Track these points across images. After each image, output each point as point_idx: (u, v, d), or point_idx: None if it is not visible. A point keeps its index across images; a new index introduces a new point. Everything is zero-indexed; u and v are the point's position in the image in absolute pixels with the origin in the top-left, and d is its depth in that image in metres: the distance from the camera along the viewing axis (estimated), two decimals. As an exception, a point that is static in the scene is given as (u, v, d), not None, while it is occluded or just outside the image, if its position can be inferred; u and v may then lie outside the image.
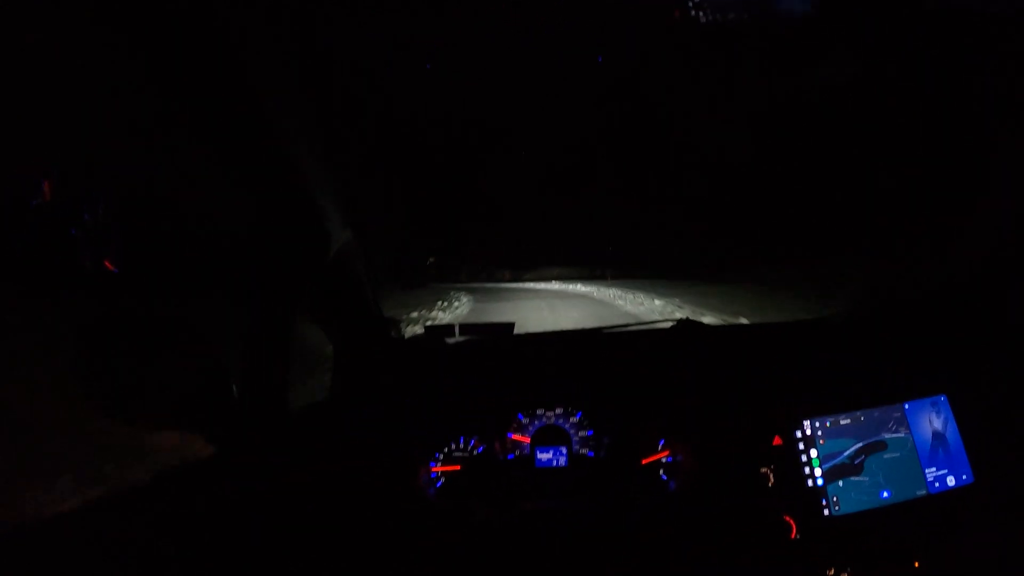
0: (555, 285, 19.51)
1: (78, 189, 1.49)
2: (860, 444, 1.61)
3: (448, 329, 1.62)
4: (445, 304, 12.13)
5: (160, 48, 1.04)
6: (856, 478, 1.58)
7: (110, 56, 1.11)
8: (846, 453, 1.59)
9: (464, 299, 13.39)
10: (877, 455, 1.62)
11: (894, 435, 1.65)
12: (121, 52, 1.08)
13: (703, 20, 1.71)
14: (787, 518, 1.48)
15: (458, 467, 1.48)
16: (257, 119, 1.20)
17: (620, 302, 13.06)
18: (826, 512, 1.53)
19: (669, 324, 1.70)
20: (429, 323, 1.61)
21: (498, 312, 11.52)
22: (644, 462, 1.52)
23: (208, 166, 1.28)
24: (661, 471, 1.52)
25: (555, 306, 12.33)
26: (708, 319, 1.71)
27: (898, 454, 1.64)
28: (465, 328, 1.63)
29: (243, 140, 1.21)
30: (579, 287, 18.01)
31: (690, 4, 1.70)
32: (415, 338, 1.61)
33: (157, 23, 1.00)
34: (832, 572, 1.42)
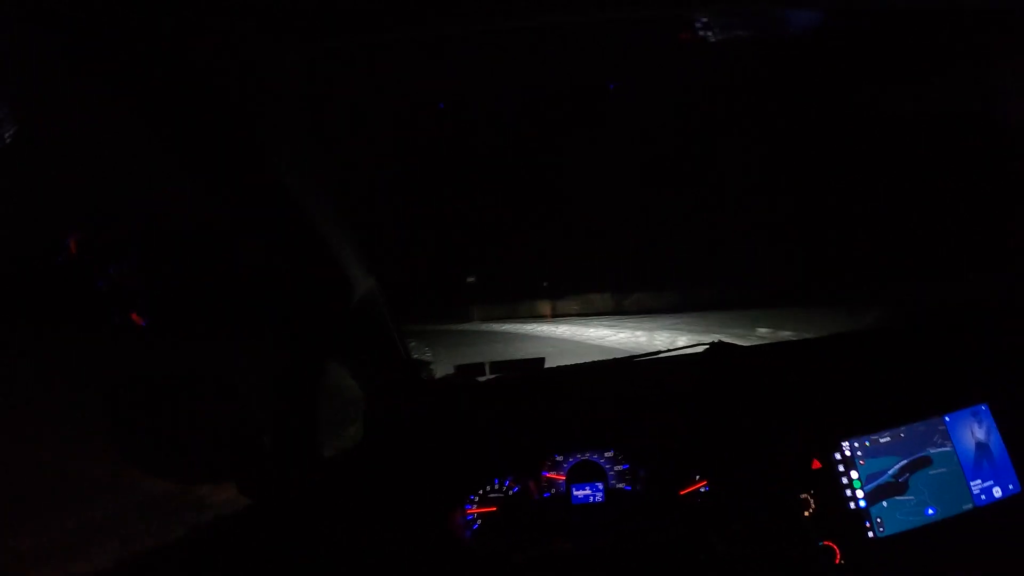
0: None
1: (104, 245, 1.51)
2: (903, 462, 1.58)
3: (478, 367, 1.62)
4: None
5: (179, 111, 1.05)
6: (900, 497, 1.56)
7: (133, 121, 1.12)
8: (889, 472, 1.57)
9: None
10: (921, 472, 1.59)
11: (937, 449, 1.61)
12: (142, 114, 1.09)
13: (712, 40, 1.68)
14: (830, 544, 1.46)
15: (494, 508, 1.48)
16: (274, 177, 1.20)
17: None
18: (870, 535, 1.50)
19: (701, 348, 1.68)
20: (458, 363, 1.61)
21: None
22: (682, 493, 1.51)
23: (231, 223, 1.29)
24: (699, 501, 1.51)
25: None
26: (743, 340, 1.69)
27: (942, 469, 1.61)
28: (496, 366, 1.62)
29: (262, 198, 1.22)
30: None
31: (697, 26, 1.67)
32: (446, 378, 1.61)
33: (175, 91, 1.01)
34: None
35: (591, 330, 12.36)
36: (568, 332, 12.52)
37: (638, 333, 10.93)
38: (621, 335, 10.94)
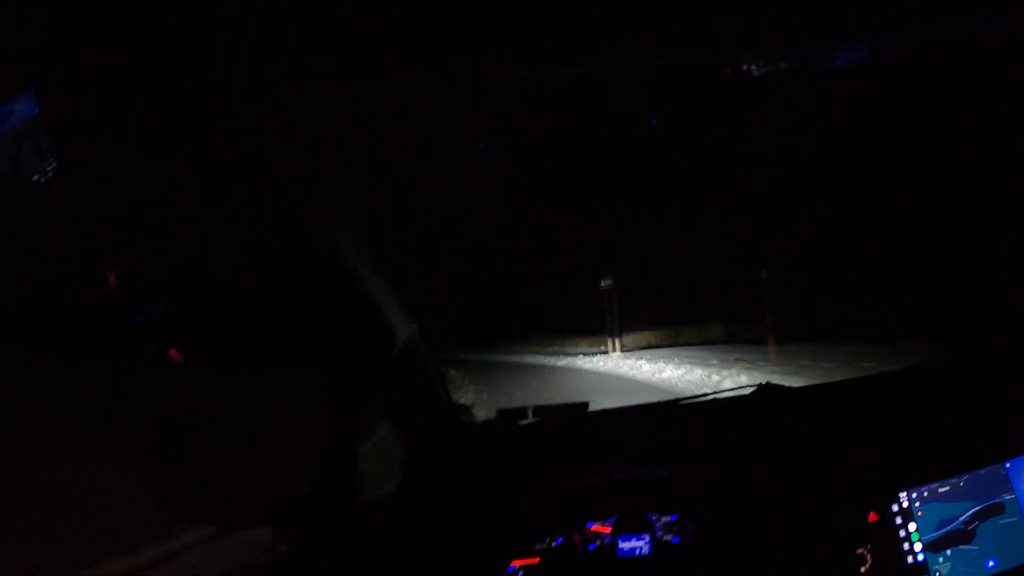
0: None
1: (140, 279, 1.50)
2: (965, 512, 1.51)
3: (521, 412, 1.58)
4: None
5: (226, 160, 1.06)
6: (961, 549, 1.49)
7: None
8: (949, 523, 1.50)
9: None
10: (991, 520, 1.52)
11: (996, 498, 1.55)
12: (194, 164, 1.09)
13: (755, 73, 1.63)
14: None
15: (536, 560, 1.44)
16: (319, 231, 1.19)
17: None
18: (929, 592, 1.44)
19: (749, 390, 1.63)
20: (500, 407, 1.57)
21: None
22: (731, 546, 1.46)
23: (269, 272, 1.28)
24: (750, 555, 1.46)
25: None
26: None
27: (1002, 519, 1.54)
28: (539, 410, 1.59)
29: (308, 254, 1.21)
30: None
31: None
32: (487, 423, 1.58)
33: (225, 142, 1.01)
34: None
35: (639, 364, 11.86)
36: (612, 366, 12.13)
37: (685, 369, 10.32)
38: (667, 371, 10.39)
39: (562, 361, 13.92)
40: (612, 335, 14.08)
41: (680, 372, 10.10)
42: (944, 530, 1.49)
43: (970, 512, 1.51)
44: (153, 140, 1.10)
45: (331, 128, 1.24)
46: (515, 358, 14.24)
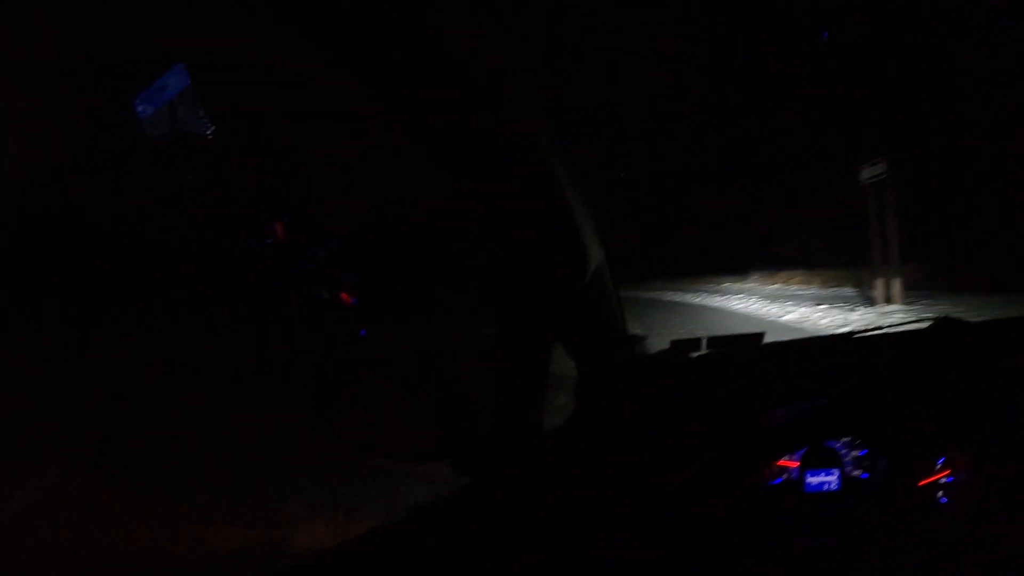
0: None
1: (313, 228, 1.45)
2: None
3: (694, 343, 1.51)
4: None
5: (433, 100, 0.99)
6: None
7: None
8: None
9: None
10: None
11: None
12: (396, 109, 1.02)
13: None
14: None
15: (724, 497, 1.40)
16: (529, 153, 1.12)
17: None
18: None
19: (926, 324, 1.55)
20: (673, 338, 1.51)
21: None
22: (922, 483, 1.40)
23: (478, 211, 1.21)
24: (940, 493, 1.40)
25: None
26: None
27: None
28: (713, 341, 1.52)
29: (518, 178, 1.14)
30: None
31: None
32: (660, 354, 1.52)
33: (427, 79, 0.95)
34: None
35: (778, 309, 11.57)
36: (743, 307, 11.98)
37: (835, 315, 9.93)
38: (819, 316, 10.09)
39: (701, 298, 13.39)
40: (885, 270, 10.54)
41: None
42: None
43: None
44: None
45: (537, 36, 1.15)
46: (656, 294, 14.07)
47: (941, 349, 1.51)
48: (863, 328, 1.56)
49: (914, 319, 1.58)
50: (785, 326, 9.57)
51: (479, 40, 1.07)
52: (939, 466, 1.41)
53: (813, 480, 1.41)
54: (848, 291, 11.87)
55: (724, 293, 13.96)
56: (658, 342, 1.53)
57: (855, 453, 1.42)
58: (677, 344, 1.51)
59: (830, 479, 1.41)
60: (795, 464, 1.41)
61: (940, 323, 1.55)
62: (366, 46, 0.98)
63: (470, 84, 1.07)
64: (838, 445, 1.41)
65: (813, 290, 13.09)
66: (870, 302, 10.60)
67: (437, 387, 1.32)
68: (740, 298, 13.05)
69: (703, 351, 1.52)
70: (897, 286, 10.39)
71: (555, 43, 1.25)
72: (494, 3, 1.10)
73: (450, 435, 1.33)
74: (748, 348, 1.54)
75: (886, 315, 9.32)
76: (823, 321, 9.60)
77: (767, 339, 1.60)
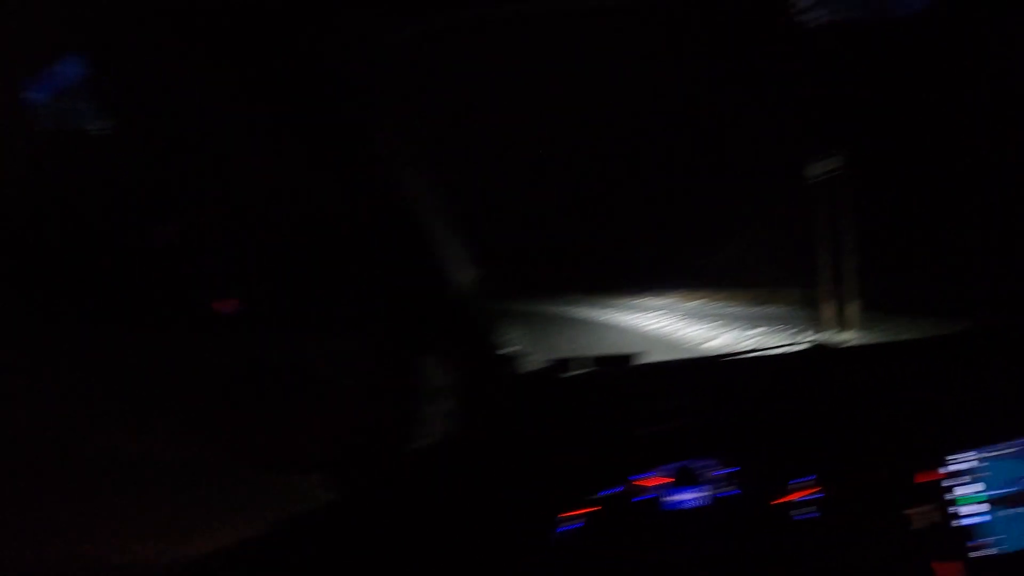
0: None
1: (203, 230, 1.49)
2: (1021, 475, 1.49)
3: (572, 361, 1.56)
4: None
5: (299, 103, 1.03)
6: (1018, 512, 1.47)
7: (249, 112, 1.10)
8: (1008, 484, 1.48)
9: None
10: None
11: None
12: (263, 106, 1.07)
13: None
14: (940, 563, 1.39)
15: (588, 510, 1.43)
16: (385, 167, 1.17)
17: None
18: (984, 552, 1.42)
19: (801, 347, 1.61)
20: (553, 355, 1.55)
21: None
22: (781, 501, 1.44)
23: (334, 215, 1.26)
24: (799, 511, 1.44)
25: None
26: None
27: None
28: (590, 360, 1.56)
29: (372, 190, 1.19)
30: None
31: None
32: (539, 371, 1.56)
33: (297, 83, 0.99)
34: None
35: (680, 326, 10.83)
36: (655, 327, 10.95)
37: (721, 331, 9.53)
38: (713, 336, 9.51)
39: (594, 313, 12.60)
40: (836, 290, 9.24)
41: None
42: (991, 495, 1.46)
43: (1018, 477, 1.49)
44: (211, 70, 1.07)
45: (399, 55, 1.21)
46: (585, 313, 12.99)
47: (810, 373, 1.57)
48: (739, 350, 1.62)
49: (790, 343, 1.64)
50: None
51: (351, 70, 1.13)
52: (798, 485, 1.45)
53: (676, 498, 1.44)
54: (783, 311, 10.71)
55: (638, 310, 12.74)
56: (542, 360, 1.57)
57: (721, 471, 1.46)
58: (556, 362, 1.55)
59: (695, 497, 1.44)
60: (662, 482, 1.44)
61: (812, 348, 1.61)
62: (244, 59, 1.03)
63: (341, 110, 1.12)
64: (704, 464, 1.45)
65: (741, 308, 12.01)
66: (815, 326, 9.12)
67: (315, 399, 1.34)
68: (655, 316, 12.05)
69: (580, 370, 1.56)
70: (852, 308, 8.93)
71: (428, 68, 1.31)
72: (362, 28, 1.16)
73: (327, 446, 1.35)
74: (623, 367, 1.58)
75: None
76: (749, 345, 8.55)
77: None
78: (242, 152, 1.18)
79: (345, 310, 1.42)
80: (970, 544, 1.42)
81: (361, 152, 1.18)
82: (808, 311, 9.79)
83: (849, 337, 8.19)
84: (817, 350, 1.59)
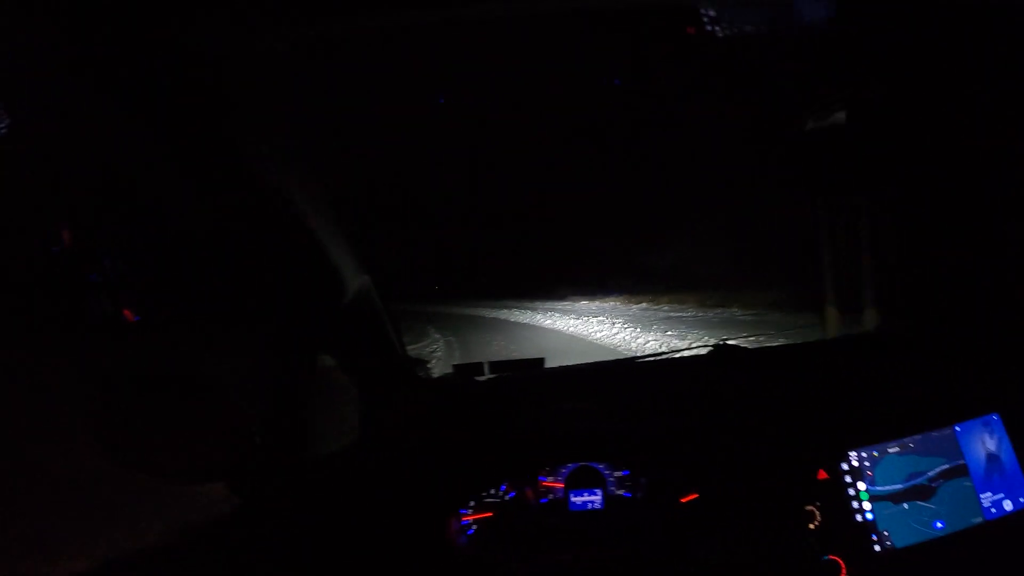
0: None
1: (96, 237, 1.47)
2: (933, 469, 1.53)
3: (477, 367, 1.57)
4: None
5: (171, 109, 1.03)
6: (907, 509, 1.51)
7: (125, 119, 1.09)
8: (897, 484, 1.52)
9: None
10: (944, 481, 1.54)
11: (947, 461, 1.57)
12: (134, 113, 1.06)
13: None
14: (835, 558, 1.42)
15: (489, 514, 1.43)
16: (263, 173, 1.17)
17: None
18: (877, 548, 1.46)
19: (706, 350, 1.64)
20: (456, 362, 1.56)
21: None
22: (683, 501, 1.46)
23: (220, 221, 1.25)
24: (701, 510, 1.46)
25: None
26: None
27: (951, 481, 1.56)
28: (495, 365, 1.58)
29: (251, 196, 1.18)
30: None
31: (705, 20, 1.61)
32: (443, 378, 1.57)
33: (168, 88, 0.99)
34: None
35: (595, 325, 10.69)
36: (571, 327, 10.86)
37: (638, 331, 9.37)
38: (624, 334, 9.34)
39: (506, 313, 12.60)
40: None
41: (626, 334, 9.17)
42: (882, 494, 1.50)
43: (937, 470, 1.54)
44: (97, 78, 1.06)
45: (285, 63, 1.21)
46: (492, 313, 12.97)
47: (712, 376, 1.59)
48: (647, 355, 1.64)
49: (699, 344, 1.67)
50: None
51: (231, 75, 1.13)
52: (699, 485, 1.48)
53: (577, 500, 1.46)
54: (740, 315, 10.28)
55: (573, 314, 12.20)
56: (443, 366, 1.58)
57: (618, 474, 1.48)
58: (459, 368, 1.56)
59: (594, 499, 1.46)
60: (560, 485, 1.46)
61: (717, 349, 1.63)
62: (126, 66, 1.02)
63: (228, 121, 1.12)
64: (601, 467, 1.47)
65: (691, 312, 11.59)
66: (766, 328, 8.41)
67: (210, 406, 1.33)
68: (590, 319, 11.68)
69: (486, 375, 1.57)
70: (832, 314, 9.13)
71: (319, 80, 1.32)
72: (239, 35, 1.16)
73: (223, 455, 1.33)
74: (528, 372, 1.60)
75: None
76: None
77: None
78: (123, 157, 1.17)
79: (240, 316, 1.41)
80: (863, 540, 1.45)
81: (243, 158, 1.17)
82: (757, 313, 9.81)
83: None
84: (721, 352, 1.61)
